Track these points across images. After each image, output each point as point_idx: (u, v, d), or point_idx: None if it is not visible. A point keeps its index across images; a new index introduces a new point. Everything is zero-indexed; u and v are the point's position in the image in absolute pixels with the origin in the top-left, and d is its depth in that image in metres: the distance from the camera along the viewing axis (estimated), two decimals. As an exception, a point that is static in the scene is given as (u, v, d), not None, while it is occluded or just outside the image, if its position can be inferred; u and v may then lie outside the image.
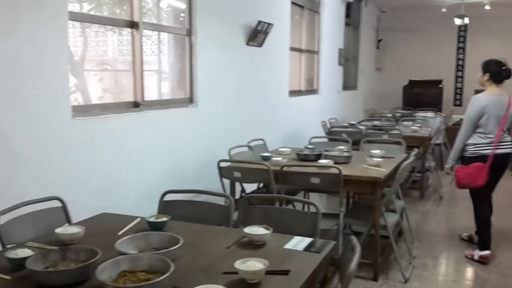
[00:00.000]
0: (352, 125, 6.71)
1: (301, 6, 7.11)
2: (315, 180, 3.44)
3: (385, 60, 11.99)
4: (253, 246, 2.00)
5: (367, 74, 11.03)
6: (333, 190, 3.71)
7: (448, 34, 11.15)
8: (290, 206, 3.95)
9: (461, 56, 11.28)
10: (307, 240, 2.06)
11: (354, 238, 1.84)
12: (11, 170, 2.77)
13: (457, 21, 9.53)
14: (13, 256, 1.77)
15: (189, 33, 4.43)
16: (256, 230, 2.05)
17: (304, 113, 7.15)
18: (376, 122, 7.04)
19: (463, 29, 11.13)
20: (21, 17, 2.74)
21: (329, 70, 8.28)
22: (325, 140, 5.67)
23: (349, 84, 9.87)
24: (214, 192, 2.62)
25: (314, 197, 5.54)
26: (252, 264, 1.66)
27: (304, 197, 4.93)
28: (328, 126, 6.75)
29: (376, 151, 4.20)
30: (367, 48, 11.04)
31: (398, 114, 8.60)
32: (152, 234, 1.97)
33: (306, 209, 4.00)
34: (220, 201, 2.70)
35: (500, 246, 4.28)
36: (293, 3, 6.59)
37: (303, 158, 4.03)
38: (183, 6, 4.44)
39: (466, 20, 9.52)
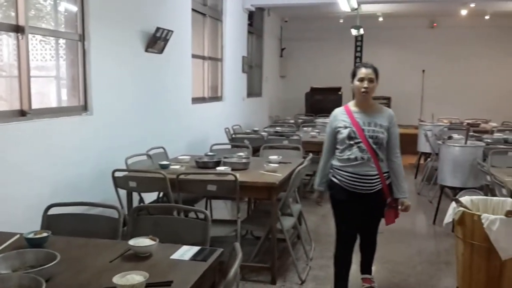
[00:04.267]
0: (255, 131, 6.82)
1: (203, 14, 7.12)
2: (211, 188, 3.45)
3: (289, 68, 12.35)
4: (138, 258, 1.95)
5: (271, 82, 11.28)
6: (231, 197, 3.74)
7: (346, 44, 11.74)
8: (193, 214, 3.93)
9: (358, 65, 11.91)
10: (195, 249, 2.05)
11: (237, 245, 1.86)
12: None
13: (354, 32, 10.06)
14: None
15: (82, 38, 4.26)
16: (141, 242, 2.00)
17: (208, 120, 7.14)
18: (278, 128, 7.21)
19: (359, 39, 11.77)
20: None
21: (233, 78, 8.36)
22: (229, 146, 5.71)
23: (254, 91, 10.03)
24: (101, 203, 2.53)
25: (218, 204, 5.57)
26: (132, 278, 1.62)
27: (206, 204, 4.94)
28: (232, 132, 6.80)
29: (274, 157, 4.30)
30: (271, 56, 11.30)
31: (300, 120, 8.89)
32: (28, 252, 1.85)
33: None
34: (115, 213, 2.61)
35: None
36: (194, 10, 6.58)
37: (202, 165, 4.02)
38: (75, 9, 4.26)
39: (362, 31, 10.09)
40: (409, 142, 8.76)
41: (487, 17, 10.33)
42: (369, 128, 3.07)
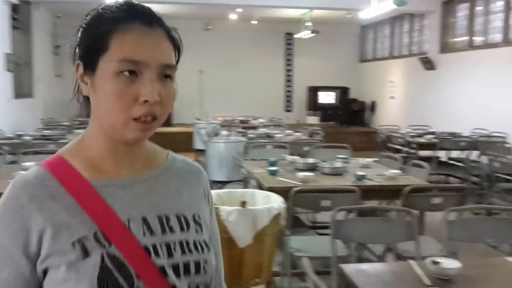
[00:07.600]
0: (19, 136, 6.23)
1: None
2: None
3: (66, 66, 11.62)
4: None
5: (45, 81, 10.46)
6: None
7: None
8: None
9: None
10: None
11: None
12: None
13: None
14: None
15: None
16: None
17: (-39, 125, 6.28)
18: (45, 132, 6.71)
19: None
20: None
21: (-6, 77, 7.50)
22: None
23: (23, 91, 9.16)
24: None
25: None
26: None
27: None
28: (-10, 138, 6.10)
29: (30, 163, 3.96)
30: (43, 53, 10.48)
31: (77, 122, 8.43)
32: None
33: None
34: None
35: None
36: None
37: None
38: None
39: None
40: (186, 140, 9.11)
41: (254, 22, 11.27)
42: (168, 238, 0.88)
